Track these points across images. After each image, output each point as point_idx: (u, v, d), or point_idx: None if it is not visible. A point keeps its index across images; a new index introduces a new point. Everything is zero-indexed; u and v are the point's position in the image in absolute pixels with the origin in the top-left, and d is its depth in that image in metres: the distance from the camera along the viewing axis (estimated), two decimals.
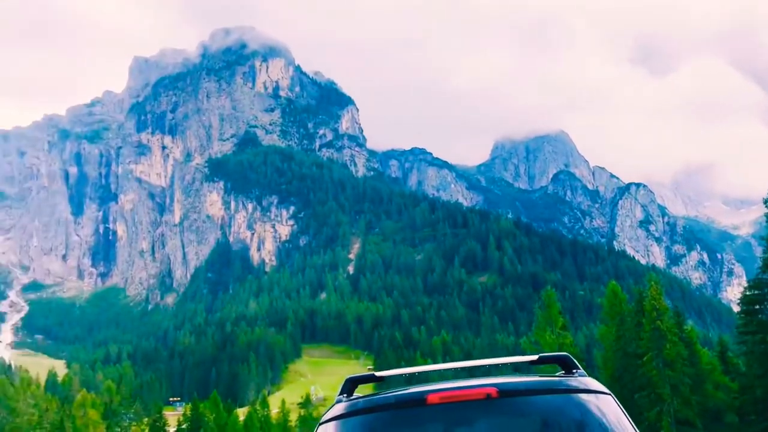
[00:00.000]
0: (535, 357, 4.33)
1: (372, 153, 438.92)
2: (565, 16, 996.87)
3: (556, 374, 4.21)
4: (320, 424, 3.92)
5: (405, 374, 4.51)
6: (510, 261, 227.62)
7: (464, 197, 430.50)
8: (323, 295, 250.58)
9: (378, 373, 4.31)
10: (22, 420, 68.71)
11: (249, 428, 75.47)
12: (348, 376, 4.28)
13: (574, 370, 4.16)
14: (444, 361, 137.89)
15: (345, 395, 4.14)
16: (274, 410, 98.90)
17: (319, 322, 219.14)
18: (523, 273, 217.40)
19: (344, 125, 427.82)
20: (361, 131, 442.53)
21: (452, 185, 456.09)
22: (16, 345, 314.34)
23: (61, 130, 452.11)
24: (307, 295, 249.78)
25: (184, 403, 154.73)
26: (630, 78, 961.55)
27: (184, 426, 79.83)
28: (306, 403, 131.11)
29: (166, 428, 78.66)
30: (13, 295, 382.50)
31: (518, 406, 3.77)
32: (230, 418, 76.63)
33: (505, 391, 3.74)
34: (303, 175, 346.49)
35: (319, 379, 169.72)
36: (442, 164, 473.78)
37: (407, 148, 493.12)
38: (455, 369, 4.60)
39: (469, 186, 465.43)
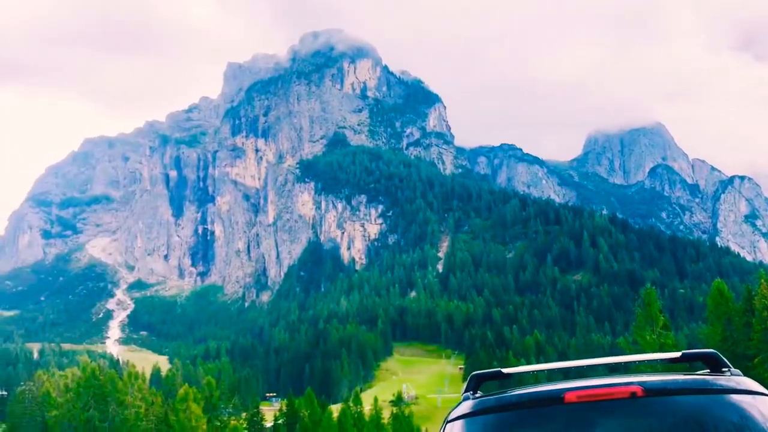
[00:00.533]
0: (677, 354, 3.95)
1: (460, 150, 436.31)
2: (661, 2, 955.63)
3: (700, 372, 3.85)
4: (447, 422, 3.75)
5: (532, 371, 4.26)
6: (605, 258, 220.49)
7: (556, 193, 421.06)
8: (413, 294, 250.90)
9: (505, 370, 4.12)
10: (130, 412, 72.65)
11: (343, 425, 76.52)
12: (473, 373, 4.13)
13: (725, 369, 3.78)
14: (537, 362, 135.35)
15: (471, 392, 3.96)
16: (367, 407, 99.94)
17: (409, 321, 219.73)
18: (619, 271, 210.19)
19: (431, 123, 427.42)
20: (449, 128, 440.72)
21: (543, 181, 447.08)
22: (123, 341, 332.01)
23: (161, 136, 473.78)
24: (397, 294, 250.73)
25: (279, 399, 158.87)
26: (732, 65, 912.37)
27: (280, 421, 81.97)
28: (398, 401, 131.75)
29: (263, 423, 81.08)
30: (119, 293, 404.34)
31: (665, 407, 3.42)
32: (324, 414, 78.07)
33: (651, 390, 3.43)
34: (391, 174, 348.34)
35: (410, 378, 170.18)
36: (533, 160, 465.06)
37: (496, 144, 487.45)
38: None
39: (561, 182, 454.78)
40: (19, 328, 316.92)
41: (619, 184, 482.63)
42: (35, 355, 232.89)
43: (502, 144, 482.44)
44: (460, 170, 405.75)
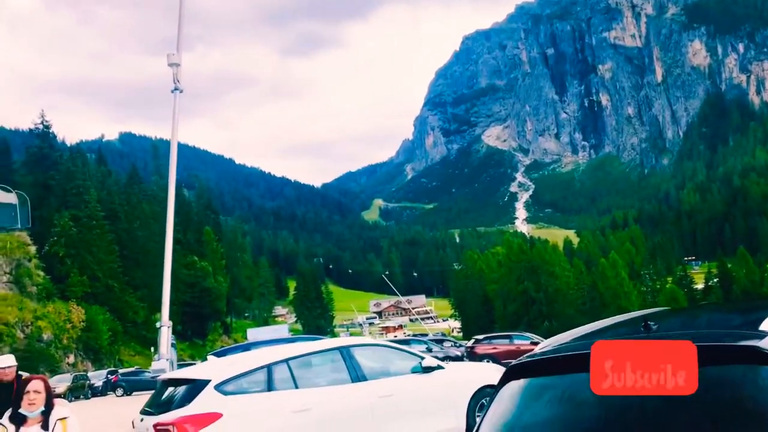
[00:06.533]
0: None
1: None
2: None
3: None
4: None
5: None
6: None
7: None
8: None
9: None
10: (560, 282, 78.22)
11: None
12: None
13: None
14: None
15: None
16: None
17: None
18: None
19: None
20: None
21: None
22: (529, 220, 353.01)
23: (533, 16, 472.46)
24: None
25: (700, 263, 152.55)
26: None
27: (710, 283, 79.21)
28: None
29: (693, 285, 79.27)
30: (519, 176, 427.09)
31: None
32: (765, 273, 72.75)
33: None
34: None
35: None
36: None
37: None
38: None
39: None
40: (440, 218, 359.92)
41: None
42: (457, 239, 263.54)
43: None
44: None
